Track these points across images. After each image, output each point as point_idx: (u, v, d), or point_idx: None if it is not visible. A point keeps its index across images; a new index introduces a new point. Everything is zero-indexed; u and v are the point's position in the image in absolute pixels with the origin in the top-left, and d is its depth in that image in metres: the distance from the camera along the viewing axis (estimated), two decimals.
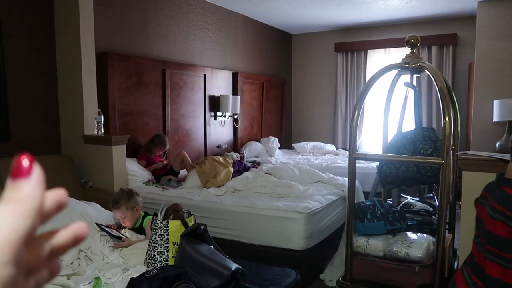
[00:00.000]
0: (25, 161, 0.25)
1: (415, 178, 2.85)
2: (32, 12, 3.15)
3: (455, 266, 2.66)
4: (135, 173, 3.66)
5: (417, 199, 4.02)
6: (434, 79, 2.42)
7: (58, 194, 0.27)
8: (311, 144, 6.26)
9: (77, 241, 0.28)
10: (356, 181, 3.93)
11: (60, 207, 0.27)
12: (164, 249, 2.09)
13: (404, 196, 4.62)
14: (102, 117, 3.27)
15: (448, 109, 2.25)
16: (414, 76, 2.91)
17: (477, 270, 1.36)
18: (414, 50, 2.66)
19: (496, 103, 4.53)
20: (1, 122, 2.98)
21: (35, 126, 3.23)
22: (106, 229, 2.38)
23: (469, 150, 4.96)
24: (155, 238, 2.10)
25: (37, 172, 0.25)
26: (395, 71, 2.80)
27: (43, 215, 0.26)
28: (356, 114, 2.49)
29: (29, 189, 0.24)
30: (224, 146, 5.35)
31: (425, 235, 2.56)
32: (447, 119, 2.22)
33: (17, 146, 3.08)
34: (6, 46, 2.98)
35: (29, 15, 3.13)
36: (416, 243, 2.45)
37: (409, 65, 2.59)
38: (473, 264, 1.40)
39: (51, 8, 3.28)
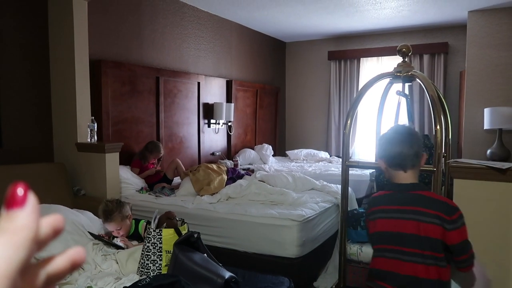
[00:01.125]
0: (19, 190, 0.24)
1: None
2: (26, 19, 3.15)
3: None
4: (128, 180, 3.64)
5: None
6: (425, 88, 2.45)
7: (54, 220, 0.26)
8: (304, 151, 6.27)
9: (74, 267, 0.27)
10: (349, 188, 3.95)
11: (56, 233, 0.26)
12: (157, 258, 2.08)
13: None
14: (96, 124, 3.26)
15: (439, 117, 2.28)
16: (406, 84, 2.94)
17: (391, 278, 1.43)
18: (406, 59, 2.69)
19: (487, 111, 4.59)
20: None
21: (28, 133, 3.21)
22: (99, 237, 2.36)
23: (460, 157, 5.01)
24: (148, 246, 2.09)
25: (32, 201, 0.25)
26: (387, 80, 2.83)
27: (39, 243, 0.25)
28: (349, 122, 2.51)
29: (24, 219, 0.24)
30: (218, 153, 5.35)
31: None
32: (438, 127, 2.25)
33: (9, 153, 3.06)
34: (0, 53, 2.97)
35: (23, 23, 3.13)
36: None
37: (401, 74, 2.62)
38: (384, 273, 1.46)
39: (45, 16, 3.28)
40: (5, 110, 3.04)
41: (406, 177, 1.47)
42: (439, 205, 1.38)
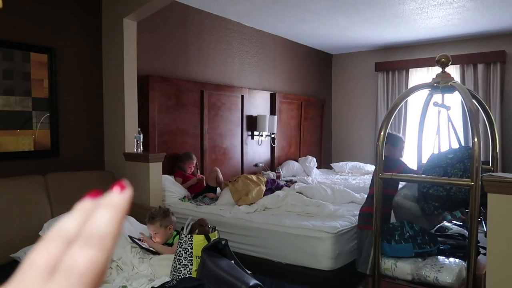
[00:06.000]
0: (124, 181, 0.29)
1: (468, 200, 2.70)
2: (82, 40, 3.46)
3: None
4: (171, 189, 3.82)
5: (460, 223, 3.82)
6: (464, 99, 2.36)
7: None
8: (350, 164, 6.17)
9: None
10: None
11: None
12: (188, 262, 2.17)
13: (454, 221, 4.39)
14: (141, 136, 3.47)
15: (477, 129, 2.18)
16: (447, 95, 2.83)
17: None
18: (449, 69, 2.60)
19: None
20: (52, 140, 3.27)
21: (82, 144, 3.50)
22: (137, 241, 2.52)
23: None
24: (180, 251, 2.20)
25: (130, 191, 0.29)
26: (427, 91, 2.75)
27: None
28: (382, 133, 2.47)
29: (122, 200, 0.28)
30: (261, 164, 5.43)
31: (457, 260, 2.46)
32: (475, 139, 2.15)
33: (66, 162, 3.35)
34: (58, 71, 3.29)
35: (79, 43, 3.45)
36: (447, 267, 2.35)
37: (439, 85, 2.54)
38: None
39: (100, 36, 3.58)
40: (63, 122, 3.34)
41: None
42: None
